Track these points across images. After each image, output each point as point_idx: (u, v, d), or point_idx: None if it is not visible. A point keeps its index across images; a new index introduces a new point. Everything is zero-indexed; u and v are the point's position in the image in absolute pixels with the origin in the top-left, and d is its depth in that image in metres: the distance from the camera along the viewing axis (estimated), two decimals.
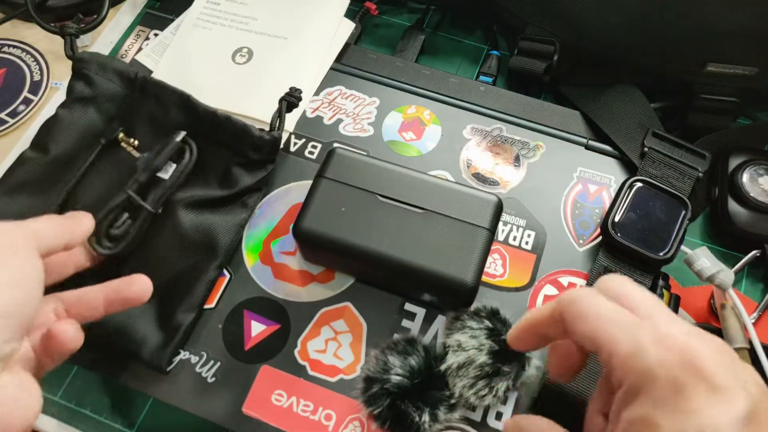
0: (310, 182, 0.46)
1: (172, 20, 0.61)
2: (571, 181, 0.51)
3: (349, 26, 0.59)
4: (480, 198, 0.45)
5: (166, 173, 0.48)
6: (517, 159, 0.52)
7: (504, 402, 0.43)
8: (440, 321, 0.46)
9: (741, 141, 0.53)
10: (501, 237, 0.49)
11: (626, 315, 0.28)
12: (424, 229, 0.44)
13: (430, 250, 0.43)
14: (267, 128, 0.49)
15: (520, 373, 0.41)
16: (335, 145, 0.53)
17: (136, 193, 0.47)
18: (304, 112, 0.55)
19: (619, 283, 0.30)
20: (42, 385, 0.34)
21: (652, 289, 0.46)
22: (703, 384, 0.24)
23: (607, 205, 0.50)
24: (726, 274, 0.44)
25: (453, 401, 0.41)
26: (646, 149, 0.50)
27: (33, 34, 0.62)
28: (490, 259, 0.48)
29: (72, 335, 0.34)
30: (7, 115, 0.58)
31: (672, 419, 0.23)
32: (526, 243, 0.49)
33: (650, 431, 0.23)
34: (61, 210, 0.48)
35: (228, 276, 0.48)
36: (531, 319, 0.34)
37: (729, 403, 0.23)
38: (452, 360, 0.41)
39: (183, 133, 0.49)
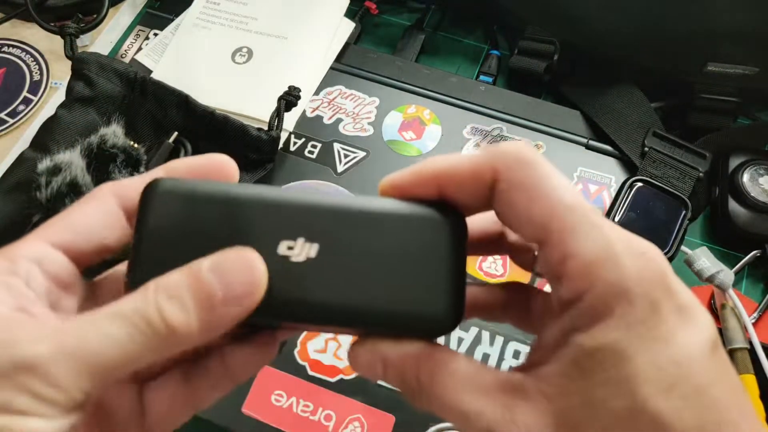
0: (310, 182, 0.46)
1: (172, 20, 0.61)
2: (572, 181, 0.51)
3: (349, 26, 0.59)
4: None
5: None
6: None
7: None
8: None
9: (741, 141, 0.53)
10: None
11: (588, 205, 0.20)
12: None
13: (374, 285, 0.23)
14: (267, 128, 0.49)
15: None
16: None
17: None
18: (304, 111, 0.55)
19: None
20: None
21: None
22: (673, 304, 0.19)
23: (608, 204, 0.50)
24: (726, 274, 0.44)
25: None
26: (646, 149, 0.50)
27: (33, 34, 0.62)
28: (490, 259, 0.48)
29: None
30: (6, 114, 0.58)
31: (645, 349, 0.18)
32: None
33: (618, 364, 0.18)
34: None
35: None
36: (437, 168, 0.21)
37: (698, 327, 0.19)
38: None
39: (174, 134, 0.49)
